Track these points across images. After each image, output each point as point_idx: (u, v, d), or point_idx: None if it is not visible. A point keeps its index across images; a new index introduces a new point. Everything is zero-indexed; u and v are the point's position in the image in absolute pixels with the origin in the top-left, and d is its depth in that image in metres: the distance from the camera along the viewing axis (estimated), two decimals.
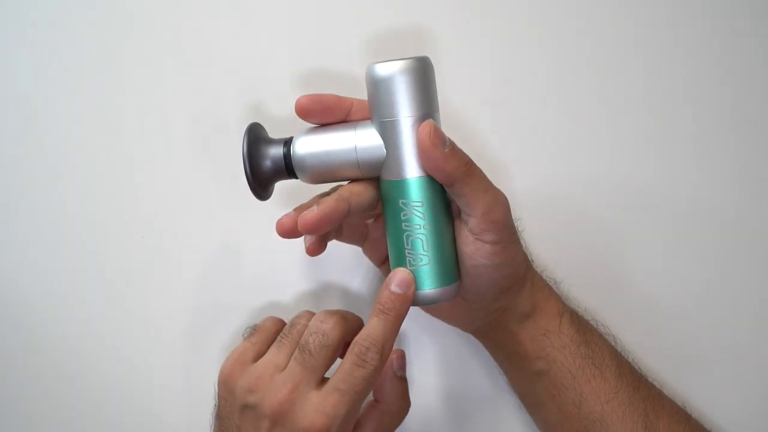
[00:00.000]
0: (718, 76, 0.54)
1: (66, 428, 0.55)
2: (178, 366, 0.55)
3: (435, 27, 0.54)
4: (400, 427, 0.46)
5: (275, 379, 0.41)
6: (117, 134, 0.55)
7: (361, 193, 0.43)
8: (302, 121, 0.43)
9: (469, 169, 0.41)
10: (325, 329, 0.42)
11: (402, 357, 0.46)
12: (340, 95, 0.44)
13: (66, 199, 0.55)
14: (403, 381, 0.46)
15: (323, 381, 0.41)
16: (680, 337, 0.54)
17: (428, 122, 0.40)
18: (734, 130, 0.54)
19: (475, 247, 0.42)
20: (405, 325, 0.53)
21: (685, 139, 0.54)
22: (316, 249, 0.45)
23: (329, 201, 0.41)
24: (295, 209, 0.43)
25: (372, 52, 0.54)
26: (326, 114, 0.43)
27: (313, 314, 0.45)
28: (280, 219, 0.42)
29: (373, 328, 0.41)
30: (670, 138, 0.54)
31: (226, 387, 0.43)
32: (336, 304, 0.55)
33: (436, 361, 0.54)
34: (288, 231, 0.42)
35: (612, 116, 0.54)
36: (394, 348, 0.42)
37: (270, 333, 0.45)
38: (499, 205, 0.42)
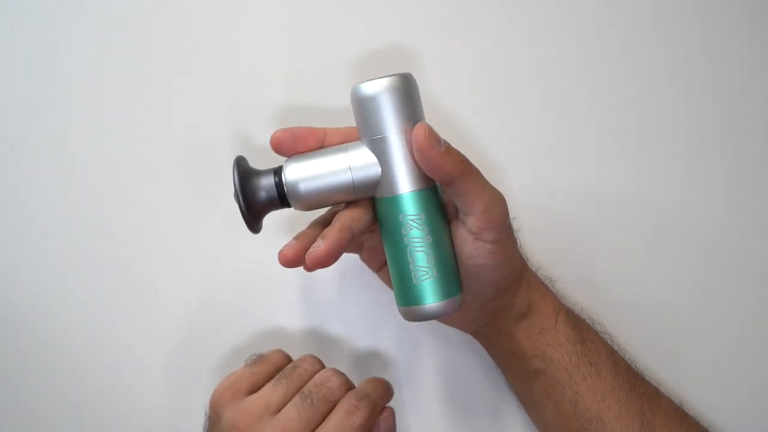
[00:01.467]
0: (709, 79, 0.55)
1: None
2: (170, 372, 0.55)
3: (421, 43, 0.54)
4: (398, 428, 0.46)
5: (263, 421, 0.40)
6: (111, 149, 0.55)
7: (361, 217, 0.42)
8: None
9: (466, 167, 0.41)
10: (332, 386, 0.41)
11: (390, 417, 0.43)
12: (314, 127, 0.44)
13: (66, 205, 0.55)
14: None
15: None
16: (676, 336, 0.54)
17: (422, 123, 0.41)
18: (726, 134, 0.55)
19: (474, 247, 0.42)
20: (405, 326, 0.53)
21: (681, 140, 0.55)
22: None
23: (333, 234, 0.41)
24: (295, 238, 0.43)
25: (357, 75, 0.54)
26: (298, 144, 0.43)
27: (317, 360, 0.44)
28: (282, 250, 0.41)
29: (366, 384, 0.43)
30: (665, 140, 0.55)
31: (214, 411, 0.42)
32: (336, 314, 0.55)
33: (434, 361, 0.55)
34: (291, 261, 0.41)
35: (605, 119, 0.55)
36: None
37: (273, 367, 0.44)
38: (497, 203, 0.42)
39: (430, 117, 0.43)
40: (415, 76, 0.43)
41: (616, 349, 0.49)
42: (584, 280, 0.54)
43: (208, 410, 0.43)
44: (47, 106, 0.55)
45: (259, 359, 0.45)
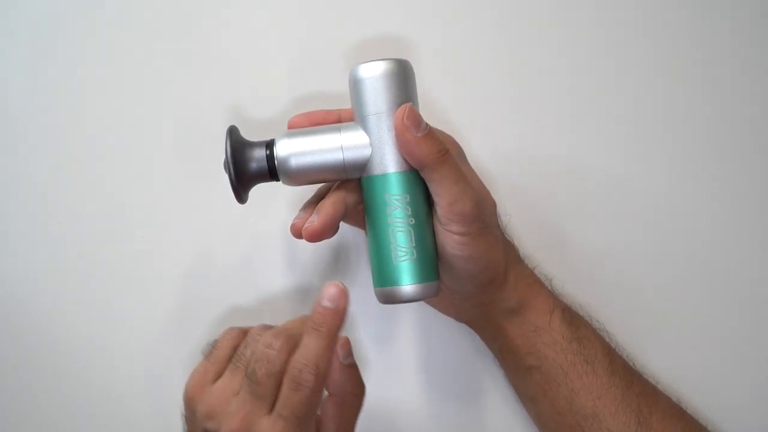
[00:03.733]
0: (698, 65, 0.55)
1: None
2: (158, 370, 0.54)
3: (417, 37, 0.55)
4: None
5: (230, 405, 0.40)
6: (97, 138, 0.56)
7: (354, 189, 0.44)
8: (276, 124, 0.44)
9: (441, 157, 0.41)
10: (270, 356, 0.39)
11: (346, 344, 0.43)
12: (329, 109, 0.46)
13: (59, 204, 0.55)
14: (351, 368, 0.43)
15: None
16: (675, 334, 0.54)
17: (405, 105, 0.41)
18: (726, 123, 0.54)
19: (443, 236, 0.43)
20: (404, 313, 0.54)
21: (683, 139, 0.54)
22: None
23: (327, 208, 0.42)
24: (302, 209, 0.45)
25: (352, 63, 0.55)
26: None
27: (268, 328, 0.43)
28: (293, 224, 0.44)
29: (305, 347, 0.39)
30: (665, 137, 0.54)
31: (189, 408, 0.43)
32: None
33: (434, 352, 0.54)
34: (298, 234, 0.43)
35: (604, 116, 0.54)
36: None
37: (228, 350, 0.43)
38: (469, 198, 0.42)
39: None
40: (414, 68, 0.44)
41: (613, 347, 0.49)
42: (582, 279, 0.53)
43: (183, 411, 0.43)
44: (46, 102, 0.56)
45: (213, 348, 0.44)
